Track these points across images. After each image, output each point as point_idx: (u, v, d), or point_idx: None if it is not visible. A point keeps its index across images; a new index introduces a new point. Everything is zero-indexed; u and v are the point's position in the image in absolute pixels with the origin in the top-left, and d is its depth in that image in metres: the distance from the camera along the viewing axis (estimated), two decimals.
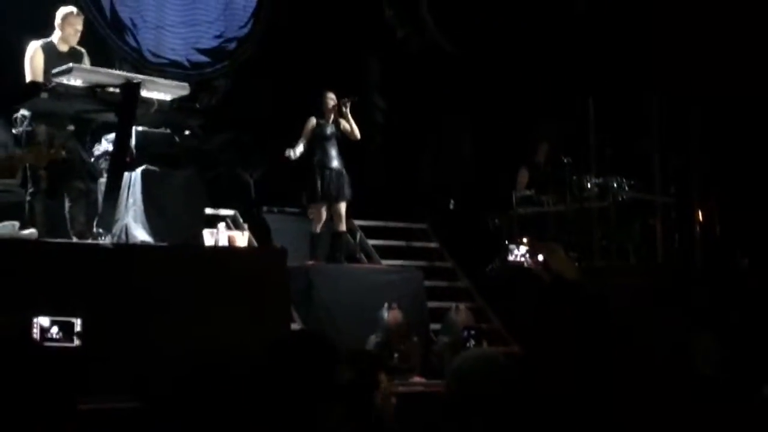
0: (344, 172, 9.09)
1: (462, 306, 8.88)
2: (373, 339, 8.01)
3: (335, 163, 9.06)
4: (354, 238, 9.86)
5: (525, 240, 9.74)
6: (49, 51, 7.32)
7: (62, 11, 7.49)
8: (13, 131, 7.28)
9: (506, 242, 9.72)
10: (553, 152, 10.34)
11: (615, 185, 9.87)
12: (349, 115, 9.16)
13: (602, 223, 9.82)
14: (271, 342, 2.54)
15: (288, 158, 9.03)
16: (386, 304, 8.27)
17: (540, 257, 9.14)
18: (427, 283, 9.39)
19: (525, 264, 9.89)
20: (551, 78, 11.10)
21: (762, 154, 10.96)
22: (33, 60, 7.25)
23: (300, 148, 9.02)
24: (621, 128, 10.13)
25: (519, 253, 10.20)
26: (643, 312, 7.03)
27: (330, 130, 9.12)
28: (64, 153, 6.81)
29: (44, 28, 7.55)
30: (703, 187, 10.72)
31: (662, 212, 10.18)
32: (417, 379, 7.95)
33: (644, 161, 10.10)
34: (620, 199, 9.84)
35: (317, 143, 9.07)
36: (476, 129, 12.23)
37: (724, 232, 10.92)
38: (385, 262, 9.74)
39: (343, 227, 9.14)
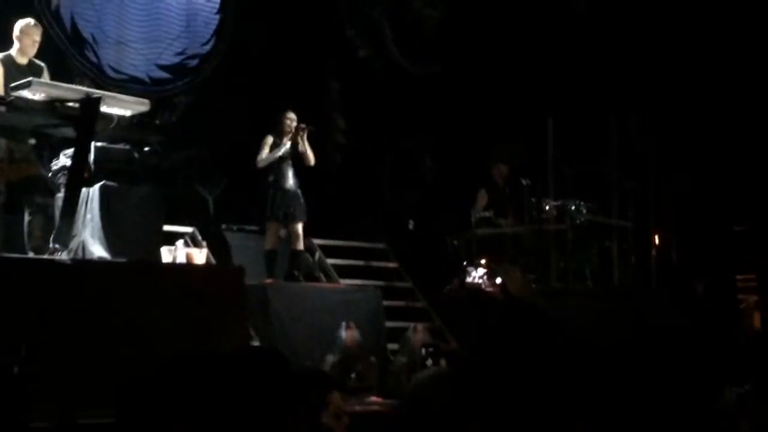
0: (299, 192, 9.11)
1: (420, 326, 8.92)
2: (330, 358, 8.03)
3: (290, 183, 9.07)
4: (313, 256, 9.88)
5: (483, 262, 9.85)
6: (8, 64, 7.27)
7: (20, 23, 7.47)
8: None
9: (464, 264, 9.84)
10: (511, 174, 10.43)
11: (573, 208, 9.97)
12: (306, 141, 9.18)
13: (560, 246, 9.92)
14: (225, 356, 2.57)
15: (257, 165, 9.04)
16: (344, 324, 8.31)
17: (498, 280, 9.28)
18: (385, 302, 9.40)
19: (482, 286, 10.00)
20: (511, 99, 11.23)
21: (719, 179, 11.16)
22: None
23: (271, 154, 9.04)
24: (579, 150, 10.24)
25: (477, 275, 10.33)
26: (598, 333, 7.10)
27: (286, 151, 9.13)
28: (28, 168, 6.77)
29: (2, 42, 7.52)
30: (660, 212, 10.89)
31: (619, 236, 10.31)
32: (373, 398, 7.96)
33: (602, 184, 10.23)
34: (578, 222, 9.94)
35: (272, 163, 9.09)
36: (436, 149, 12.33)
37: (681, 256, 11.09)
38: (343, 281, 9.76)
39: (301, 246, 9.14)
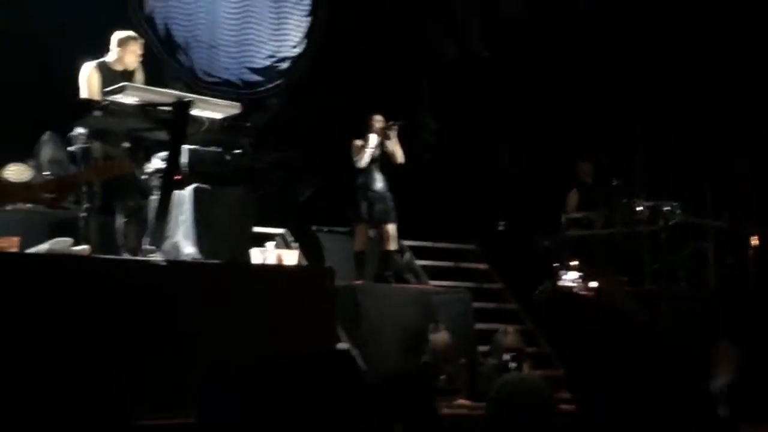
0: (388, 194, 9.14)
1: (510, 328, 8.87)
2: (419, 360, 8.04)
3: (379, 185, 9.12)
4: (402, 257, 9.89)
5: (576, 264, 9.73)
6: (105, 70, 7.40)
7: (121, 35, 7.55)
8: (69, 149, 7.39)
9: (556, 266, 9.75)
10: (600, 173, 10.31)
11: (666, 208, 9.80)
12: (395, 139, 9.21)
13: (653, 247, 9.77)
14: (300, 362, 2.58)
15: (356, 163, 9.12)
16: (433, 325, 8.30)
17: (592, 283, 9.14)
18: (475, 304, 9.37)
19: (576, 289, 9.87)
20: (600, 96, 11.07)
21: None
22: (89, 79, 7.32)
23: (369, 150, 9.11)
24: (671, 149, 10.07)
25: (569, 278, 10.20)
26: (691, 337, 6.97)
27: (375, 153, 9.18)
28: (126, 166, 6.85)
29: (99, 48, 7.63)
30: (758, 212, 10.63)
31: (714, 236, 10.11)
32: (462, 401, 7.94)
33: (696, 184, 10.04)
34: (671, 222, 9.78)
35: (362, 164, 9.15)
36: (527, 150, 12.24)
37: None
38: (433, 282, 9.75)
39: (392, 247, 9.17)
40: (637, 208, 9.69)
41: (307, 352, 6.25)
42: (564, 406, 6.51)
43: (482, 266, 10.41)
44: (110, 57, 7.48)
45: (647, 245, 9.80)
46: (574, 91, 11.41)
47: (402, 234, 9.59)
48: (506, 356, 8.18)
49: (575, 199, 10.28)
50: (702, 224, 10.01)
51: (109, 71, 7.41)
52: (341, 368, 2.66)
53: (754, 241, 10.48)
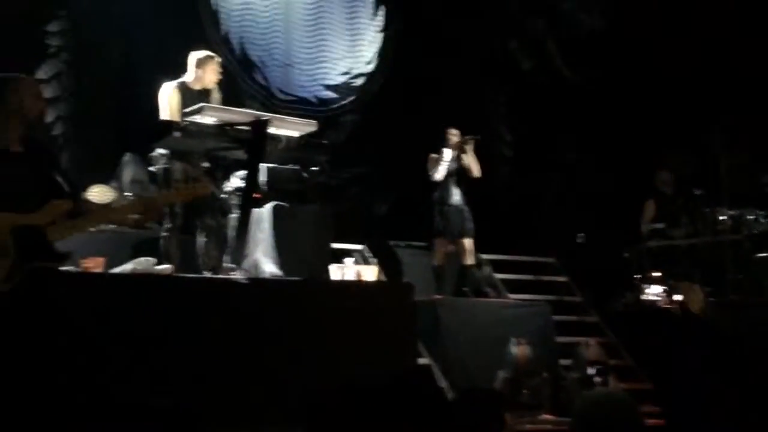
0: (465, 207, 9.11)
1: (592, 341, 8.76)
2: (501, 374, 7.97)
3: (456, 199, 9.09)
4: (481, 271, 9.84)
5: (659, 276, 9.53)
6: (183, 91, 7.47)
7: (200, 55, 7.61)
8: (150, 169, 7.49)
9: (638, 278, 9.60)
10: (680, 182, 10.15)
11: (750, 217, 9.62)
12: (472, 153, 9.19)
13: (736, 257, 9.60)
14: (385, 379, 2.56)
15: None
16: (514, 339, 8.23)
17: (677, 296, 8.94)
18: (555, 317, 9.28)
19: (660, 303, 9.69)
20: (678, 105, 10.91)
21: None
22: (169, 100, 7.39)
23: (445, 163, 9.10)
24: (753, 158, 9.89)
25: (653, 291, 10.01)
26: None
27: (451, 167, 9.16)
28: (207, 187, 6.91)
29: (177, 70, 7.71)
30: None
31: None
32: (546, 416, 7.86)
33: None
34: (755, 231, 9.59)
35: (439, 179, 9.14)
36: (605, 161, 12.12)
37: None
38: (512, 296, 9.69)
39: (471, 261, 9.13)
40: (720, 218, 9.53)
41: (389, 370, 6.26)
42: (651, 421, 6.42)
43: (562, 279, 10.32)
44: (188, 77, 7.56)
45: (731, 255, 9.62)
46: (653, 100, 11.27)
47: (481, 248, 9.55)
48: (590, 370, 8.07)
49: (652, 210, 10.14)
50: None
51: (188, 91, 7.49)
52: (423, 387, 2.64)
53: None
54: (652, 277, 9.64)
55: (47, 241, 5.09)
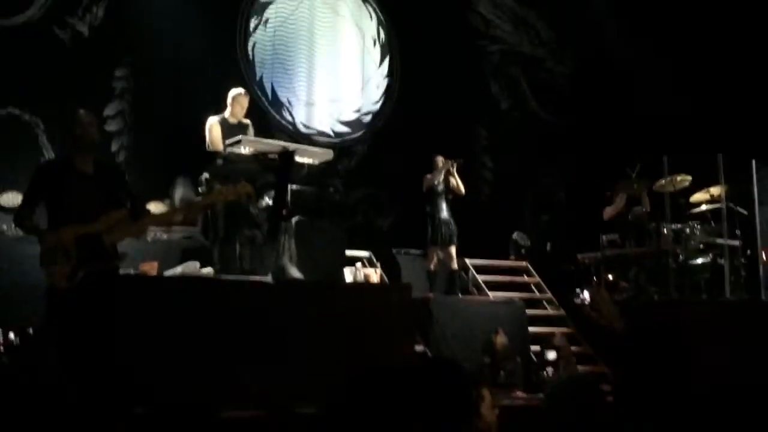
0: (452, 221, 9.11)
1: (558, 332, 8.79)
2: (483, 359, 7.99)
3: (444, 214, 9.09)
4: (466, 274, 9.85)
5: (611, 280, 9.43)
6: (224, 124, 7.53)
7: (232, 92, 7.68)
8: (199, 189, 7.54)
9: (594, 280, 9.55)
10: (630, 203, 10.15)
11: (688, 230, 9.62)
12: (456, 174, 9.19)
13: (677, 263, 9.58)
14: (409, 368, 2.55)
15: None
16: (494, 330, 8.24)
17: (590, 300, 8.86)
18: (528, 311, 9.29)
19: (584, 305, 9.64)
20: (632, 140, 10.92)
21: None
22: (212, 132, 7.44)
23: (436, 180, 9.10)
24: (692, 183, 9.88)
25: (583, 297, 9.97)
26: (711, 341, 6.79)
27: (440, 187, 9.17)
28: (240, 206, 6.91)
29: (217, 105, 7.78)
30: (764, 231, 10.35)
31: (730, 254, 9.87)
32: (519, 393, 7.87)
33: (714, 212, 9.82)
34: (692, 242, 9.58)
35: (430, 197, 9.14)
36: (568, 184, 12.19)
37: None
38: (492, 293, 9.70)
39: (455, 266, 9.13)
40: (664, 231, 9.53)
41: (392, 354, 6.25)
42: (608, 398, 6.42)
43: (534, 280, 10.31)
44: (227, 112, 7.62)
45: (673, 262, 9.60)
46: (611, 135, 11.33)
47: (466, 254, 9.56)
48: (551, 355, 8.09)
49: (622, 202, 10.08)
50: (719, 243, 9.77)
51: (227, 124, 7.53)
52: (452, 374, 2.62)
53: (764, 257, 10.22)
54: (607, 279, 9.64)
55: (103, 246, 5.10)
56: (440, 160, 9.22)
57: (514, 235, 11.12)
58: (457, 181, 9.18)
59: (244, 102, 7.68)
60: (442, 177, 9.15)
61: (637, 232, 9.89)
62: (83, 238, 5.02)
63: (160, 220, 6.08)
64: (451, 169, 9.16)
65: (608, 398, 5.79)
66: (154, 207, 8.28)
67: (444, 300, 8.78)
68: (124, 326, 5.34)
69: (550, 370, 8.04)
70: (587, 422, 2.69)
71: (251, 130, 7.67)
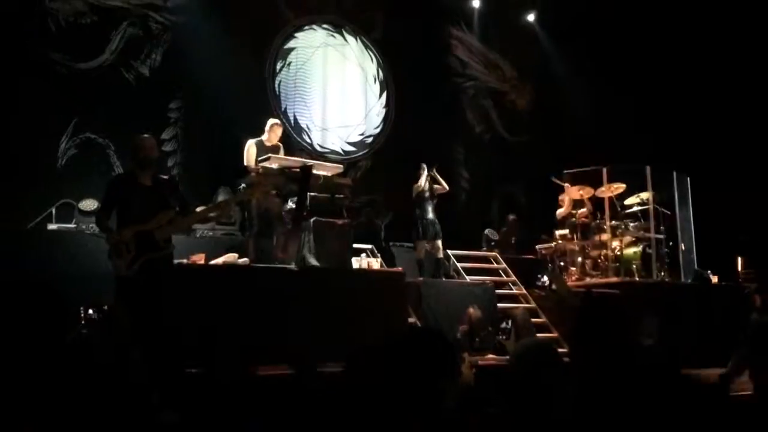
0: (436, 220, 9.08)
1: (521, 307, 8.76)
2: (462, 329, 7.96)
3: (430, 215, 9.05)
4: (448, 262, 9.81)
5: (562, 266, 9.40)
6: (259, 146, 7.51)
7: (271, 122, 7.63)
8: None
9: (552, 267, 9.52)
10: (576, 206, 10.15)
11: (623, 227, 9.64)
12: (438, 176, 9.16)
13: (614, 252, 9.58)
14: (402, 337, 2.49)
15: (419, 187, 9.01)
16: (470, 306, 8.22)
17: (549, 283, 8.77)
18: (497, 291, 9.26)
19: (544, 286, 9.57)
20: (580, 155, 10.89)
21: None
22: (248, 151, 7.43)
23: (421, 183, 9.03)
24: (627, 189, 9.89)
25: (543, 280, 9.97)
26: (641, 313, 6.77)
27: (427, 193, 9.14)
28: (272, 208, 6.86)
29: (255, 130, 7.75)
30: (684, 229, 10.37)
31: (656, 245, 9.88)
32: (491, 356, 7.85)
33: (643, 212, 9.84)
34: (626, 236, 9.60)
35: (419, 201, 9.11)
36: (527, 190, 12.19)
37: (700, 259, 10.53)
38: (469, 277, 9.67)
39: (440, 255, 9.11)
40: (604, 227, 9.55)
41: (390, 326, 6.21)
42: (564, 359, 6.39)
43: (501, 266, 10.28)
44: (264, 136, 7.60)
45: (610, 250, 9.61)
46: (561, 152, 11.33)
47: (449, 246, 9.53)
48: (506, 324, 8.05)
49: (568, 205, 10.08)
50: (647, 236, 9.78)
51: (262, 146, 7.51)
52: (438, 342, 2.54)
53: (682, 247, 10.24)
54: (560, 266, 9.64)
55: (155, 239, 5.11)
56: (423, 166, 9.19)
57: (486, 231, 11.15)
58: (441, 182, 9.15)
59: (278, 131, 7.65)
60: (427, 185, 9.11)
61: (582, 228, 9.91)
62: (140, 235, 5.05)
63: (200, 216, 6.06)
64: (432, 173, 9.12)
65: (563, 359, 5.80)
66: None
67: (431, 283, 8.73)
68: (178, 303, 5.34)
69: (512, 336, 8.00)
70: (546, 378, 2.67)
71: (282, 152, 7.64)
